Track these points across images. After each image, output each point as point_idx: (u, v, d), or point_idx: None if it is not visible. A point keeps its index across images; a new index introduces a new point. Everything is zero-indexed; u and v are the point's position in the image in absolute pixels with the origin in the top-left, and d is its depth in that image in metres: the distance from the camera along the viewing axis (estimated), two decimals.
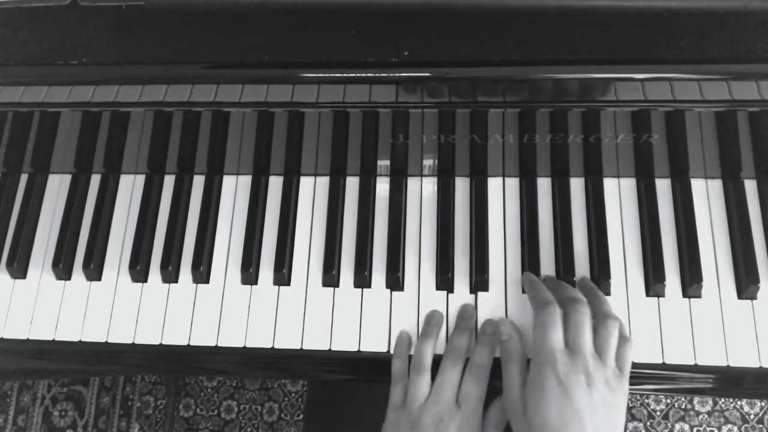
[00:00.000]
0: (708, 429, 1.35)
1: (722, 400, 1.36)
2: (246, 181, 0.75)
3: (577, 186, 0.71)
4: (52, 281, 0.73)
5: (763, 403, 1.35)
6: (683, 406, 1.36)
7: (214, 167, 0.75)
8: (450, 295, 0.68)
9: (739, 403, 1.36)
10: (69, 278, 0.73)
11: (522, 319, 0.67)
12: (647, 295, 0.67)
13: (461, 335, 0.66)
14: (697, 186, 0.70)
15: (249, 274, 0.70)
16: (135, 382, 1.44)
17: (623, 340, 0.61)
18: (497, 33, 0.56)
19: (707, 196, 0.70)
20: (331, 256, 0.70)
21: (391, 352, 0.67)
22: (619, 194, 0.71)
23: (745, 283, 0.66)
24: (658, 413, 1.36)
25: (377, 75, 0.57)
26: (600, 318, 0.61)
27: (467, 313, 0.67)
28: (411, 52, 0.56)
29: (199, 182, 0.75)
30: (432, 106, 0.61)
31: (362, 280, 0.69)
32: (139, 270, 0.71)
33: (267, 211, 0.73)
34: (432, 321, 0.67)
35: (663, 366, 0.64)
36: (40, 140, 0.71)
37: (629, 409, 1.36)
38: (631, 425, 1.36)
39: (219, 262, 0.72)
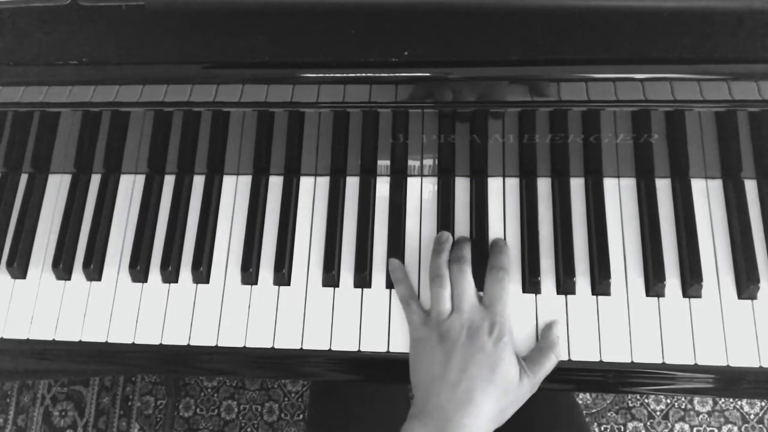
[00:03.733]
0: (708, 429, 1.35)
1: (722, 400, 1.36)
2: (246, 181, 0.75)
3: (577, 186, 0.71)
4: (52, 281, 0.73)
5: (763, 403, 1.35)
6: (683, 406, 1.36)
7: (214, 167, 0.75)
8: None
9: (739, 403, 1.36)
10: (69, 278, 0.73)
11: (522, 316, 0.67)
12: (647, 295, 0.67)
13: (462, 245, 0.68)
14: (697, 186, 0.70)
15: (249, 274, 0.70)
16: (135, 382, 1.44)
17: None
18: (497, 33, 0.56)
19: (707, 196, 0.70)
20: (331, 256, 0.70)
21: (391, 351, 0.67)
22: (619, 194, 0.71)
23: (745, 283, 0.66)
24: (658, 413, 1.36)
25: (377, 75, 0.57)
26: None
27: (463, 237, 0.70)
28: (411, 52, 0.56)
29: (199, 182, 0.75)
30: (432, 106, 0.61)
31: (362, 280, 0.69)
32: (139, 270, 0.71)
33: (267, 211, 0.73)
34: (442, 239, 0.69)
35: (663, 366, 0.64)
36: (40, 140, 0.71)
37: (629, 408, 1.36)
38: (631, 425, 1.36)
39: (219, 262, 0.72)
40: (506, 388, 0.61)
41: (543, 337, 0.65)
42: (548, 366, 0.63)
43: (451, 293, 0.65)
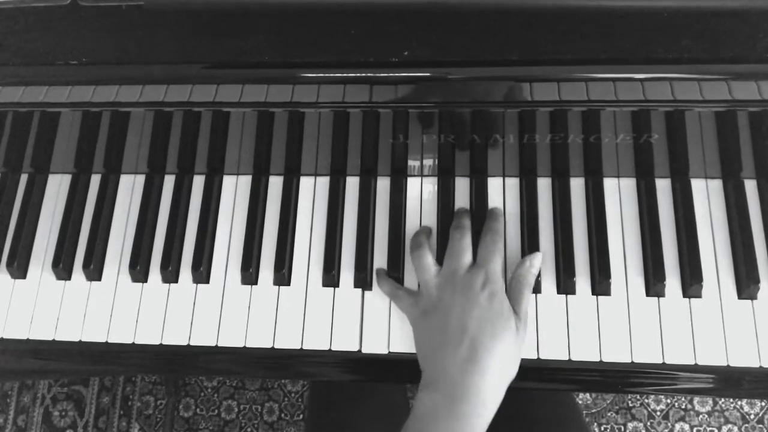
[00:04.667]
0: (708, 429, 1.35)
1: (722, 400, 1.36)
2: (246, 181, 0.75)
3: (577, 186, 0.71)
4: (52, 281, 0.73)
5: (763, 403, 1.35)
6: (683, 406, 1.36)
7: (214, 167, 0.75)
8: None
9: (739, 403, 1.36)
10: (69, 278, 0.73)
11: None
12: (647, 295, 0.67)
13: (462, 216, 0.69)
14: (697, 186, 0.70)
15: (249, 274, 0.70)
16: (135, 382, 1.44)
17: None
18: (497, 33, 0.56)
19: (707, 196, 0.70)
20: (331, 256, 0.70)
21: (391, 351, 0.67)
22: (619, 194, 0.71)
23: (745, 283, 0.66)
24: (658, 413, 1.36)
25: (377, 75, 0.57)
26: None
27: (462, 208, 0.71)
28: (411, 52, 0.56)
29: (199, 182, 0.75)
30: (432, 106, 0.61)
31: (362, 280, 0.69)
32: (139, 270, 0.71)
33: (267, 211, 0.73)
34: (424, 228, 0.71)
35: (663, 366, 0.64)
36: (40, 140, 0.71)
37: (629, 408, 1.36)
38: (631, 425, 1.36)
39: (219, 262, 0.72)
40: (507, 339, 0.60)
41: (517, 271, 0.65)
42: (526, 298, 0.64)
43: (435, 261, 0.66)
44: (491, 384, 0.58)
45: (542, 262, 0.68)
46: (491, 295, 0.61)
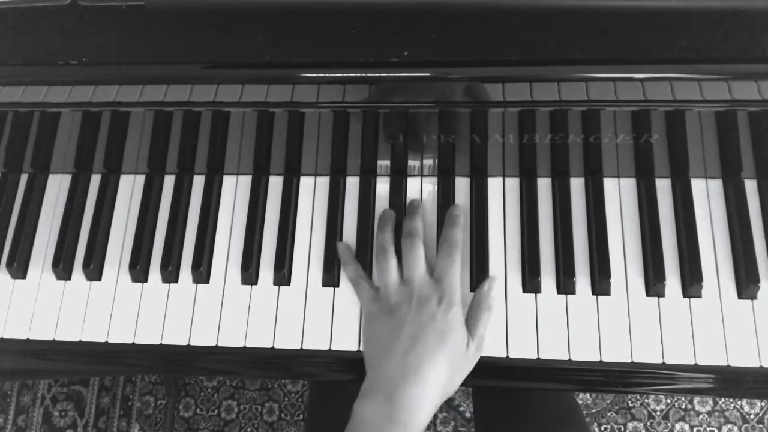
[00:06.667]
0: (708, 429, 1.35)
1: (722, 400, 1.36)
2: (246, 181, 0.75)
3: (577, 186, 0.71)
4: (52, 281, 0.73)
5: (763, 403, 1.35)
6: (683, 406, 1.36)
7: (214, 167, 0.75)
8: None
9: (739, 403, 1.36)
10: (69, 278, 0.73)
11: (522, 316, 0.67)
12: (647, 294, 0.67)
13: (412, 218, 0.68)
14: (697, 186, 0.70)
15: (249, 274, 0.70)
16: (135, 382, 1.44)
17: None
18: (497, 33, 0.56)
19: (707, 196, 0.70)
20: (331, 256, 0.70)
21: None
22: (619, 194, 0.71)
23: (746, 283, 0.66)
24: (658, 413, 1.36)
25: (377, 75, 0.57)
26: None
27: (415, 201, 0.71)
28: (411, 52, 0.56)
29: (199, 182, 0.75)
30: (432, 106, 0.61)
31: None
32: (139, 270, 0.71)
33: (267, 211, 0.73)
34: (385, 215, 0.70)
35: (663, 366, 0.64)
36: (40, 140, 0.71)
37: (629, 408, 1.36)
38: (631, 425, 1.36)
39: (219, 262, 0.72)
40: (454, 356, 0.61)
41: (476, 295, 0.66)
42: (484, 321, 0.64)
43: (398, 266, 0.66)
44: (430, 396, 0.59)
45: (542, 261, 0.68)
46: (447, 308, 0.62)
